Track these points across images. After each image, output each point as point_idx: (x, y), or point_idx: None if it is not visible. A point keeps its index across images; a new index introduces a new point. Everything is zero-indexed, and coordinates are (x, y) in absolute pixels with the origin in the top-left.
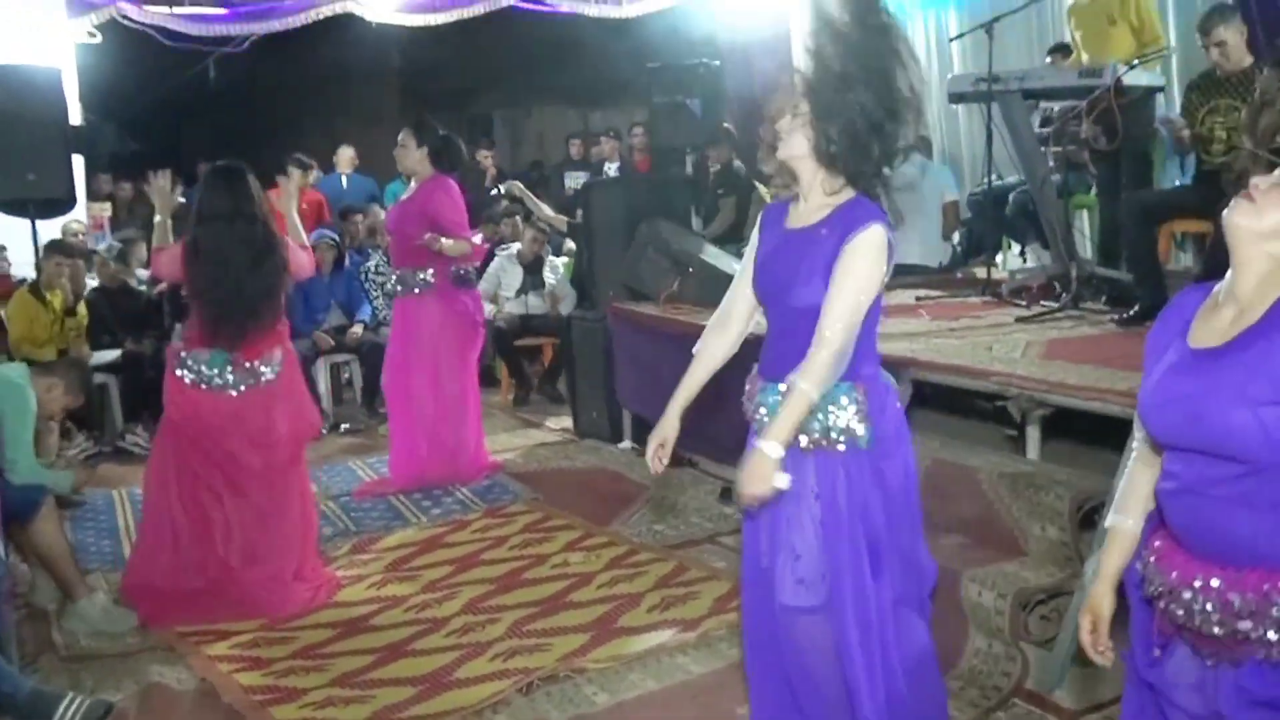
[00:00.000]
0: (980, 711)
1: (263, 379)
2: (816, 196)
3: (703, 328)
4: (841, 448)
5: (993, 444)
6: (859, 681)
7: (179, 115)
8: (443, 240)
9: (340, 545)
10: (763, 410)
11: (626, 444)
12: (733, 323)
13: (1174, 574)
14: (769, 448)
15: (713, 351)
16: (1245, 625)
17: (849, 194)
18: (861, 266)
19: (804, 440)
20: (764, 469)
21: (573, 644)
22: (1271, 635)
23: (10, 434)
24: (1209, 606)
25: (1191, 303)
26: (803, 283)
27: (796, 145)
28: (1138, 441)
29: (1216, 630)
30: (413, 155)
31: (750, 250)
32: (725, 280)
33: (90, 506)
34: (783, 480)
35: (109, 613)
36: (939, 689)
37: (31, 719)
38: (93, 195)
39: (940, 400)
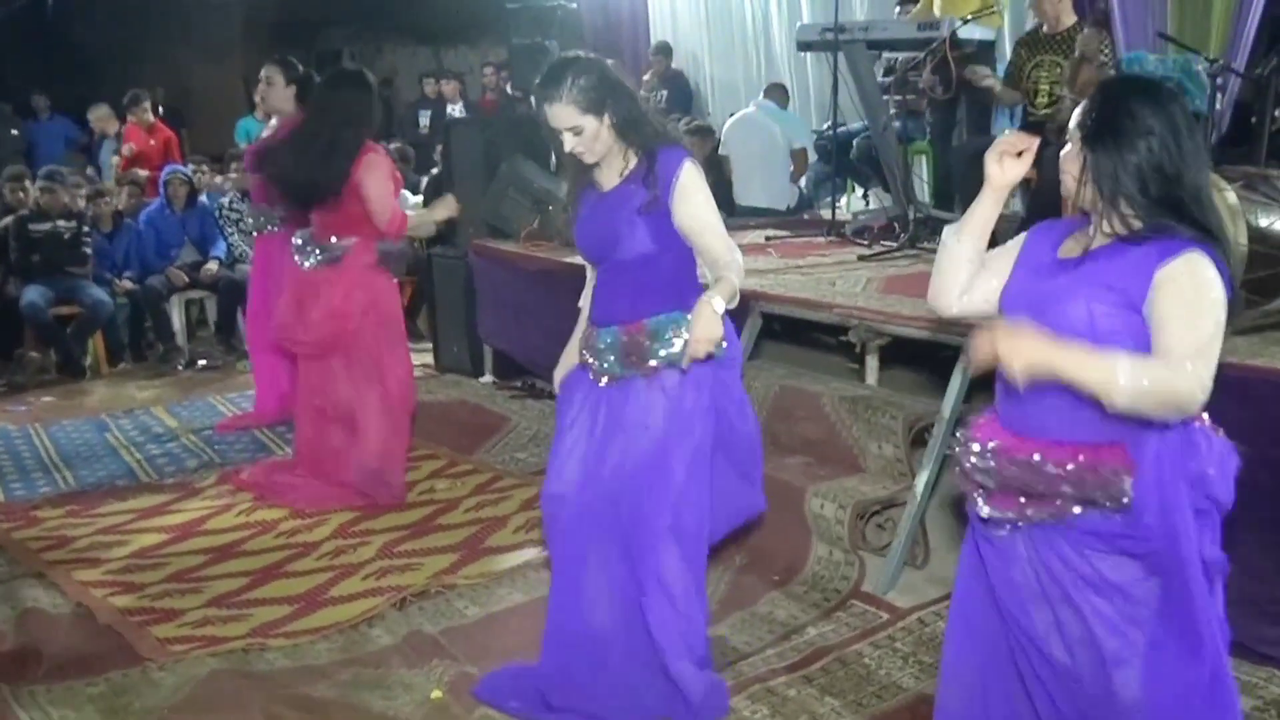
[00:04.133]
0: (822, 612)
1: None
2: (616, 162)
3: (563, 264)
4: (682, 366)
5: (835, 372)
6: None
7: (9, 46)
8: None
9: (206, 476)
10: (598, 350)
11: (488, 378)
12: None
13: (978, 440)
14: (716, 303)
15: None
16: (1066, 489)
17: (635, 154)
18: (701, 200)
19: (653, 364)
20: (714, 322)
21: (443, 563)
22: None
23: None
24: (1029, 473)
25: (1060, 229)
26: (626, 235)
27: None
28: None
29: (1040, 491)
30: (279, 92)
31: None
32: None
33: None
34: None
35: None
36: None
37: None
38: None
39: (787, 333)
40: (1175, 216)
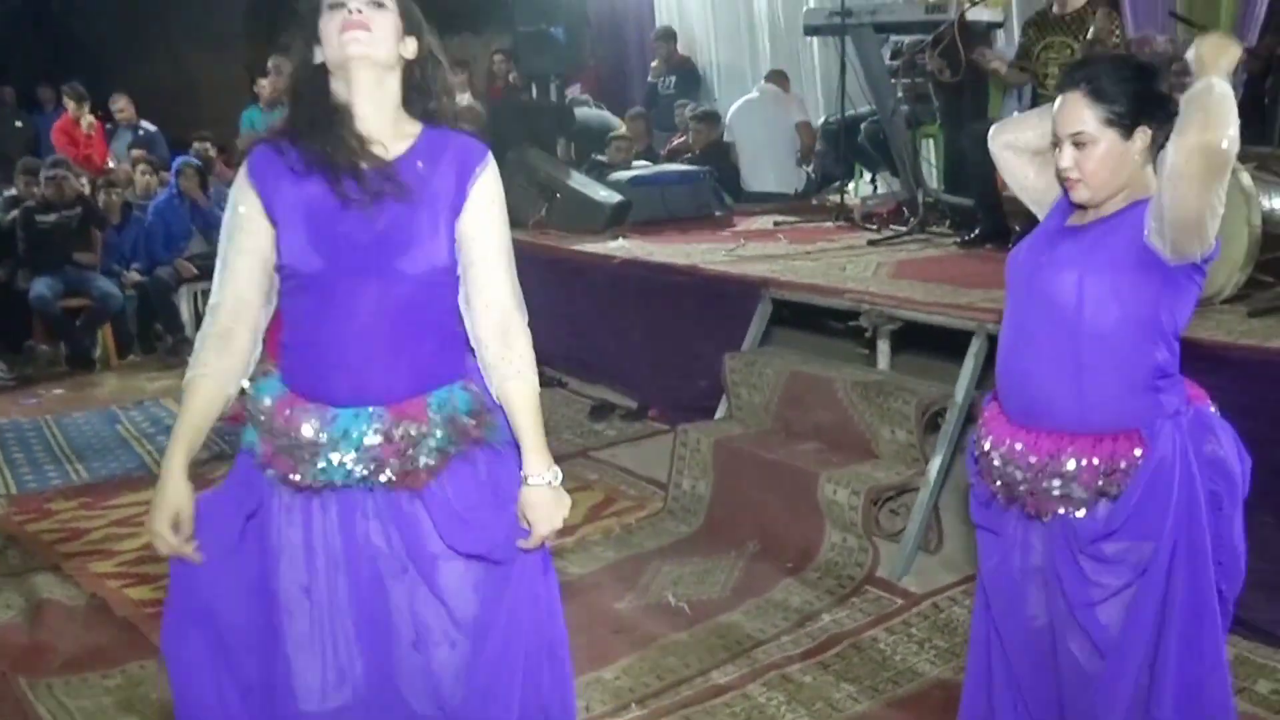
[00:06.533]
0: (836, 598)
1: None
2: (387, 112)
3: (572, 251)
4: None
5: (846, 358)
6: None
7: (13, 37)
8: None
9: (218, 467)
10: (352, 455)
11: None
12: (238, 337)
13: (991, 438)
14: (552, 476)
15: (221, 382)
16: (1054, 484)
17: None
18: (500, 215)
19: (427, 461)
20: (560, 501)
21: None
22: (1077, 492)
23: None
24: (1016, 470)
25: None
26: (427, 237)
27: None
28: None
29: (1023, 487)
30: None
31: (252, 231)
32: (591, 205)
33: None
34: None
35: None
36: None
37: None
38: None
39: (798, 319)
40: None
